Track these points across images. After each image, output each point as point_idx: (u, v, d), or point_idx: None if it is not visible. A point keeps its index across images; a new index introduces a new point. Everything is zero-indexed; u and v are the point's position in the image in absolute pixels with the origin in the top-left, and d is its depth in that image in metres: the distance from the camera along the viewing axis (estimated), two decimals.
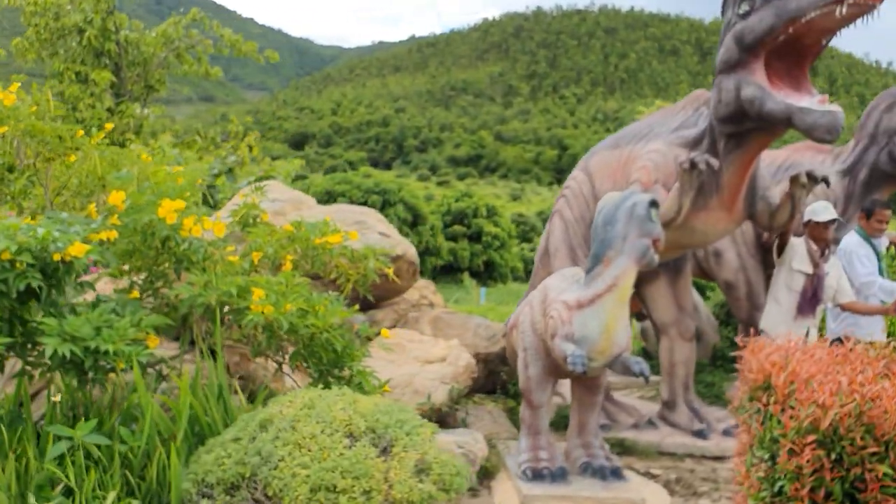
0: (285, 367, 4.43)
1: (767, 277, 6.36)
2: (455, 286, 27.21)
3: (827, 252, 5.73)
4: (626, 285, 4.59)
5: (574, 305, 4.65)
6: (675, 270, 6.24)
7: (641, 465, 5.61)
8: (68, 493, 3.26)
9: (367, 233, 6.53)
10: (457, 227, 35.44)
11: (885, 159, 6.61)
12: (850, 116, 7.06)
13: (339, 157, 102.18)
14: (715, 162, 5.10)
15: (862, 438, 2.69)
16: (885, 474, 2.66)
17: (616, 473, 4.94)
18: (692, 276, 7.62)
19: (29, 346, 3.71)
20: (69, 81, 13.50)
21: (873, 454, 2.68)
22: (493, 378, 7.10)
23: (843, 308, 5.89)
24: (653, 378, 7.42)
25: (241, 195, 5.61)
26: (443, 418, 5.73)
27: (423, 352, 6.00)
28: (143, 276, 4.27)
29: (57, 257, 3.45)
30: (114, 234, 3.79)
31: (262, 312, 3.82)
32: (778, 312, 5.80)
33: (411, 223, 30.46)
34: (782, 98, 4.72)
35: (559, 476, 4.87)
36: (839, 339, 4.23)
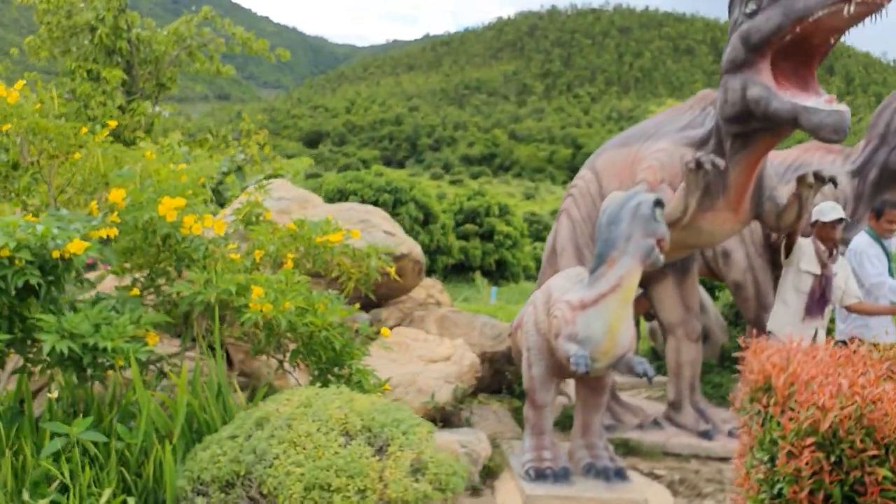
0: (287, 365, 4.43)
1: (776, 278, 6.31)
2: (466, 285, 27.17)
3: (835, 252, 5.68)
4: (630, 285, 4.56)
5: (578, 305, 4.61)
6: (682, 271, 6.20)
7: (646, 466, 5.58)
8: (64, 489, 3.27)
9: (372, 231, 6.53)
10: (469, 226, 35.42)
11: None
12: (867, 116, 7.00)
13: (353, 155, 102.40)
14: (721, 162, 5.06)
15: (862, 441, 2.66)
16: (885, 478, 2.62)
17: (620, 474, 4.91)
18: (700, 276, 7.58)
19: (29, 342, 3.72)
20: (81, 79, 13.54)
21: (873, 457, 2.65)
22: (499, 377, 7.08)
23: (849, 309, 5.84)
24: (660, 378, 7.44)
25: (246, 193, 5.61)
26: (447, 417, 5.72)
27: (427, 351, 5.99)
28: (144, 273, 4.28)
29: (56, 254, 3.45)
30: (114, 232, 3.79)
31: (261, 310, 3.82)
32: (785, 314, 5.74)
33: (423, 222, 30.45)
34: (788, 98, 4.67)
35: (562, 476, 4.85)
36: (843, 342, 4.19)
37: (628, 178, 5.87)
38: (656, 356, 8.65)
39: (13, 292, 3.45)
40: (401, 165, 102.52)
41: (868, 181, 6.69)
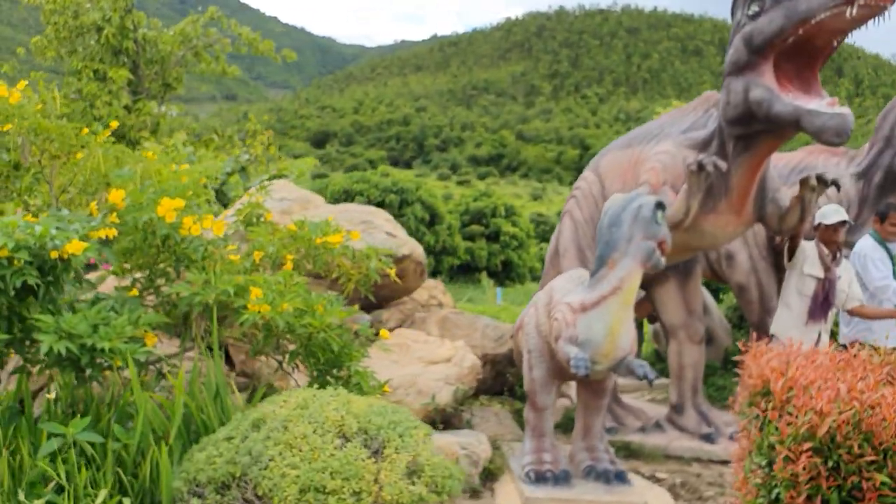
0: (287, 367, 4.42)
1: (780, 281, 6.28)
2: (472, 286, 27.16)
3: (838, 256, 5.65)
4: (630, 288, 4.54)
5: (578, 308, 4.60)
6: (685, 273, 6.18)
7: (647, 469, 5.56)
8: (61, 490, 3.27)
9: (373, 232, 6.52)
10: (475, 227, 35.40)
11: None
12: (876, 118, 6.97)
13: (360, 155, 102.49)
14: (722, 164, 5.04)
15: (860, 446, 2.64)
16: (882, 483, 2.61)
17: (620, 477, 4.89)
18: (704, 279, 7.55)
19: (28, 342, 3.72)
20: (87, 79, 13.59)
21: (871, 462, 2.63)
22: (501, 379, 7.07)
23: (851, 313, 5.81)
24: (663, 381, 7.41)
25: (248, 194, 5.62)
26: (447, 419, 5.71)
27: (427, 352, 5.98)
28: (144, 274, 4.28)
29: (54, 255, 3.46)
30: (113, 233, 3.79)
31: (259, 312, 3.81)
32: (789, 317, 5.71)
33: (429, 222, 30.45)
34: (791, 100, 4.65)
35: (562, 479, 4.83)
36: (843, 346, 4.16)
37: (631, 180, 5.86)
38: (660, 359, 8.63)
39: (12, 293, 3.45)
40: (408, 166, 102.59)
41: (873, 184, 6.67)
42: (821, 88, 4.78)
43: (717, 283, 8.94)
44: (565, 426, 6.11)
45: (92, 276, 4.43)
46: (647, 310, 7.25)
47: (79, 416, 3.58)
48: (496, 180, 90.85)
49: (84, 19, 13.92)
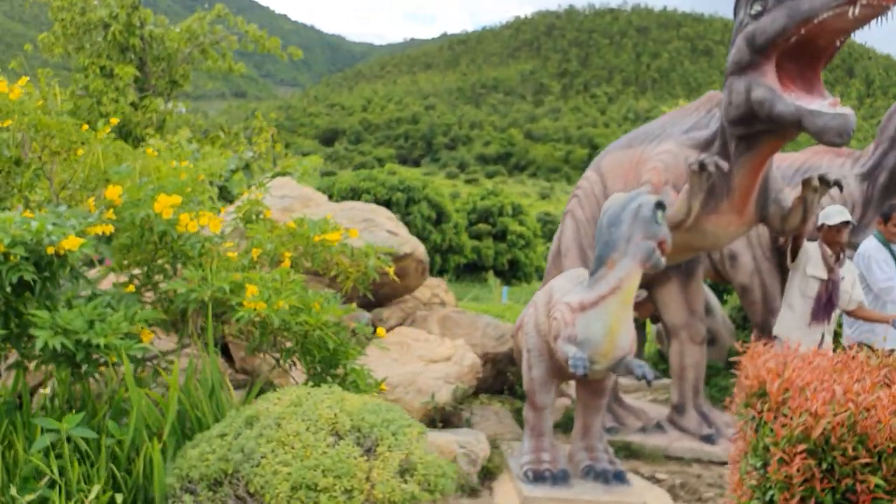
0: (286, 364, 4.42)
1: (784, 282, 6.25)
2: (479, 285, 27.14)
3: (842, 256, 5.61)
4: (630, 288, 4.51)
5: (577, 307, 4.58)
6: (687, 273, 6.15)
7: (647, 470, 5.54)
8: (54, 485, 3.27)
9: (375, 230, 6.52)
10: (482, 226, 35.40)
11: None
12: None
13: (369, 153, 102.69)
14: (724, 164, 5.01)
15: (854, 449, 2.62)
16: (876, 486, 2.59)
17: (619, 477, 4.87)
18: (708, 279, 7.52)
19: (25, 338, 3.73)
20: (94, 76, 13.64)
21: (865, 465, 2.61)
22: (502, 378, 7.05)
23: (849, 314, 5.79)
24: (665, 381, 7.38)
25: (247, 191, 5.62)
26: (447, 418, 5.70)
27: (427, 351, 5.97)
28: (142, 270, 4.28)
29: (51, 250, 3.46)
30: (109, 229, 3.79)
31: (255, 309, 3.81)
32: (792, 318, 5.69)
33: (435, 221, 30.44)
34: (792, 100, 4.62)
35: (561, 478, 4.82)
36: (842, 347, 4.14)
37: (633, 180, 5.83)
38: (663, 359, 8.59)
39: (8, 288, 3.46)
40: (416, 164, 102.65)
41: (877, 185, 6.63)
42: (823, 88, 4.75)
43: (722, 284, 8.91)
44: (565, 425, 6.09)
45: (92, 273, 4.44)
46: (649, 310, 7.23)
47: (73, 411, 3.59)
48: (504, 179, 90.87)
49: (91, 16, 13.98)
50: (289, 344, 4.20)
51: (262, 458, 3.06)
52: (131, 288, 4.13)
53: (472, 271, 32.82)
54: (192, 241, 4.05)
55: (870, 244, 6.10)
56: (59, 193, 4.85)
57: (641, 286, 4.72)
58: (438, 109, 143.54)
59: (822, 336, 5.61)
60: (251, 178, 11.12)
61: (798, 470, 2.66)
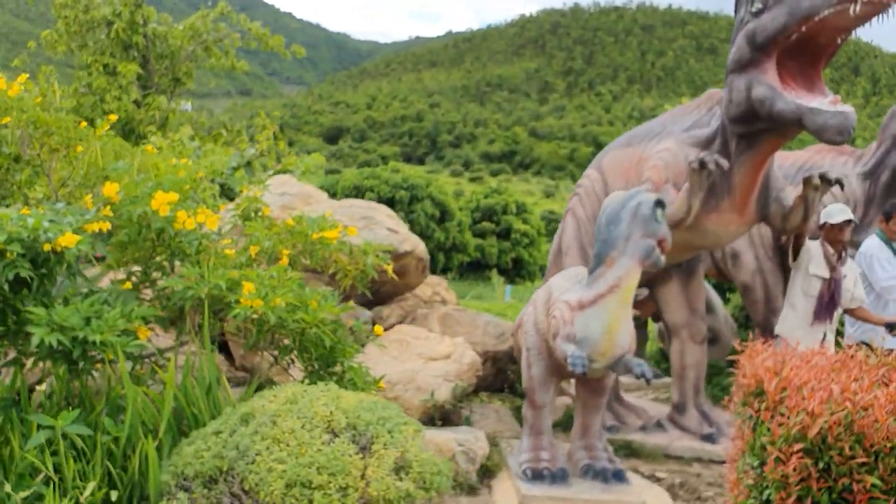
0: (284, 362, 4.42)
1: (786, 281, 6.23)
2: (482, 283, 27.10)
3: (844, 255, 5.59)
4: (628, 286, 4.50)
5: (576, 306, 4.57)
6: (688, 272, 6.14)
7: (647, 469, 5.53)
8: (49, 482, 3.27)
9: (375, 228, 6.51)
10: (485, 224, 35.30)
11: None
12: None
13: (373, 151, 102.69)
14: (724, 162, 4.99)
15: (851, 448, 2.61)
16: (873, 485, 2.58)
17: (618, 476, 4.86)
18: (710, 278, 7.50)
19: (22, 335, 3.73)
20: (97, 73, 13.66)
21: (862, 464, 2.60)
22: (502, 376, 7.05)
23: (849, 314, 5.77)
24: (667, 380, 7.36)
25: (246, 189, 5.62)
26: (446, 416, 5.69)
27: (427, 349, 5.97)
28: (140, 267, 4.28)
29: (47, 247, 3.46)
30: (106, 226, 3.79)
31: (252, 306, 3.80)
32: (794, 318, 5.67)
33: (439, 219, 30.36)
34: (793, 98, 4.60)
35: (559, 477, 4.80)
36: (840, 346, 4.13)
37: (634, 178, 5.82)
38: (665, 358, 8.57)
39: (5, 285, 3.46)
40: (421, 162, 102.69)
41: (880, 184, 6.60)
42: (824, 86, 4.73)
43: (725, 283, 8.88)
44: (565, 424, 6.08)
45: (92, 271, 4.44)
46: (650, 308, 7.21)
47: (71, 408, 3.59)
48: (508, 177, 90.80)
49: (94, 14, 14.00)
50: (286, 341, 4.20)
51: (256, 455, 3.06)
52: (129, 285, 4.13)
53: (475, 269, 32.76)
54: (189, 239, 4.05)
55: (872, 243, 6.08)
56: (58, 190, 4.85)
57: (642, 284, 4.71)
58: (443, 107, 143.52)
59: (825, 335, 5.59)
60: (252, 175, 11.13)
61: (794, 469, 2.65)
